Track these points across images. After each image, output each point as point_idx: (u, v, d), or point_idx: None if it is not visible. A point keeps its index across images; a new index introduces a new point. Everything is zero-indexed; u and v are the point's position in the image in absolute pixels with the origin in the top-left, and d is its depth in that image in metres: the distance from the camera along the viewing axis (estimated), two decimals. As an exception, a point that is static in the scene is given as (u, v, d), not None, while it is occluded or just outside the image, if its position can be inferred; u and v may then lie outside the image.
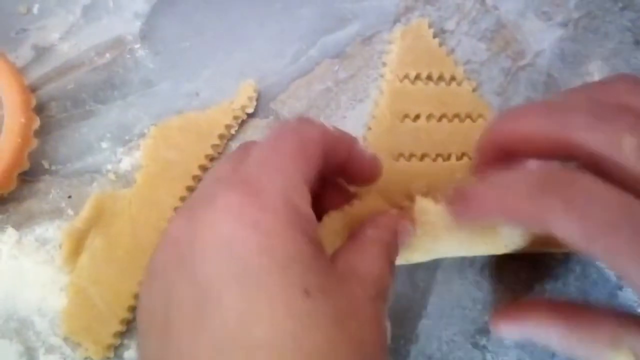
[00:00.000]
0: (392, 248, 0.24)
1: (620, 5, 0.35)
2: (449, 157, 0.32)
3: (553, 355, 0.30)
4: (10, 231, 0.31)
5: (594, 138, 0.20)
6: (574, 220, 0.19)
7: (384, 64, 0.34)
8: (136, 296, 0.30)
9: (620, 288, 0.31)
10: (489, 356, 0.30)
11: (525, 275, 0.31)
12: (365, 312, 0.21)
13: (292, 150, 0.22)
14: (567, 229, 0.20)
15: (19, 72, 0.32)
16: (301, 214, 0.21)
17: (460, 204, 0.24)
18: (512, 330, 0.26)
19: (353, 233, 0.24)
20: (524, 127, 0.22)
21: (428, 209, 0.25)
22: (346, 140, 0.24)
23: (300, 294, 0.19)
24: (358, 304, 0.20)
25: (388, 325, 0.22)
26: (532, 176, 0.21)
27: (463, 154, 0.32)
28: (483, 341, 0.30)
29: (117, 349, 0.30)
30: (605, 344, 0.23)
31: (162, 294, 0.20)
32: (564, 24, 0.34)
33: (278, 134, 0.23)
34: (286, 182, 0.21)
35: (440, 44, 0.34)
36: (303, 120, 0.23)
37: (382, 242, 0.24)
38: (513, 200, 0.21)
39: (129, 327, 0.30)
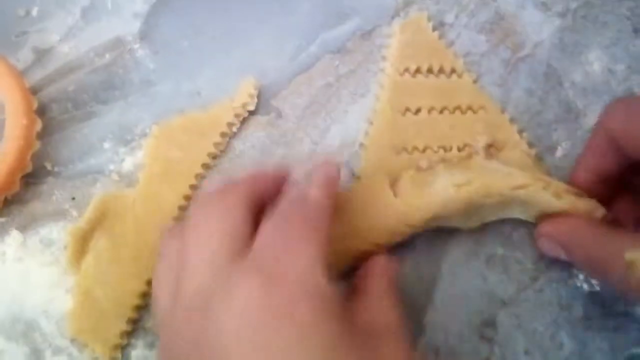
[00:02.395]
0: (394, 293, 0.25)
1: (618, -6, 0.35)
2: (450, 149, 0.32)
3: (561, 345, 0.30)
4: (15, 234, 0.31)
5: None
6: (620, 110, 0.26)
7: (384, 58, 0.34)
8: (142, 295, 0.30)
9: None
10: (496, 348, 0.30)
11: (531, 266, 0.31)
12: None
13: (302, 233, 0.22)
14: (613, 121, 0.26)
15: (20, 74, 0.32)
16: (323, 290, 0.21)
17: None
18: (551, 243, 0.28)
19: (356, 290, 0.25)
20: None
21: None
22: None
23: None
24: (391, 357, 0.22)
25: None
26: None
27: (465, 146, 0.32)
28: (490, 333, 0.30)
29: (124, 348, 0.30)
30: (623, 244, 0.24)
31: None
32: (563, 14, 0.34)
33: (282, 209, 0.23)
34: (303, 261, 0.21)
35: (440, 37, 0.34)
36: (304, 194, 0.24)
37: (386, 290, 0.25)
38: None
39: (135, 326, 0.30)
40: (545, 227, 0.29)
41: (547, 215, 0.29)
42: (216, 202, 0.23)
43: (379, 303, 0.24)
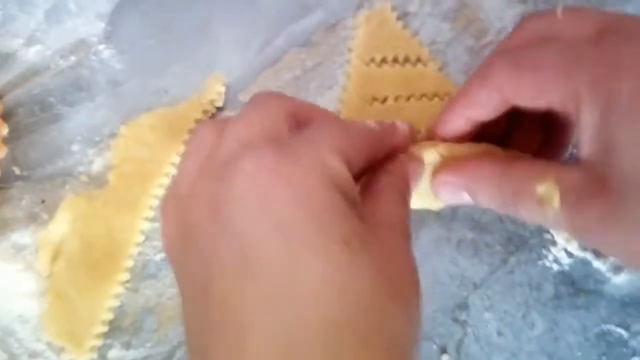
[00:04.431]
0: (406, 192, 0.25)
1: (578, -22, 0.35)
2: (419, 133, 0.32)
3: (532, 325, 0.31)
4: (-15, 240, 0.31)
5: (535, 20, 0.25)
6: (506, 63, 0.23)
7: (350, 50, 0.34)
8: (115, 297, 0.30)
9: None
10: (469, 330, 0.31)
11: (500, 248, 0.31)
12: (399, 257, 0.21)
13: (337, 132, 0.22)
14: (500, 76, 0.23)
15: (-16, 80, 0.32)
16: (335, 171, 0.21)
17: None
18: (451, 188, 0.26)
19: (367, 184, 0.24)
20: None
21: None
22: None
23: (340, 244, 0.19)
24: (392, 249, 0.21)
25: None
26: None
27: (432, 132, 0.32)
28: (463, 316, 0.31)
29: (100, 349, 0.30)
30: (533, 176, 0.22)
31: (200, 253, 0.20)
32: (524, 1, 0.35)
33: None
34: (321, 147, 0.21)
35: (404, 27, 0.34)
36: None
37: (398, 187, 0.24)
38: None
39: (111, 327, 0.30)
40: (444, 175, 0.26)
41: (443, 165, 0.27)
42: (259, 103, 0.23)
43: (389, 196, 0.24)
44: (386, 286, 0.19)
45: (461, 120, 0.26)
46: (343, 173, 0.21)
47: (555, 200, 0.22)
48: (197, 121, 0.32)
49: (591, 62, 0.21)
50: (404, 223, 0.23)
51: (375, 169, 0.25)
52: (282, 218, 0.19)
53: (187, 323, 0.21)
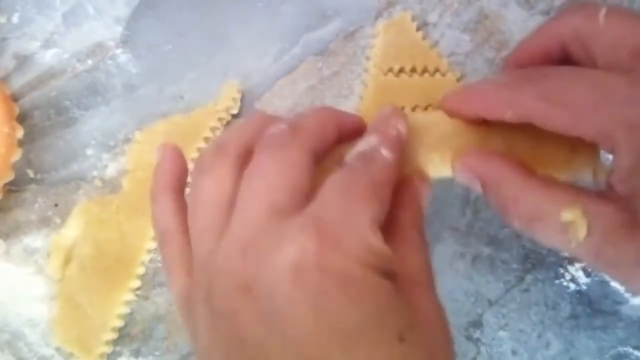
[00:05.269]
0: (423, 223, 0.24)
1: (602, -9, 0.34)
2: None
3: (548, 345, 0.30)
4: (-2, 242, 0.31)
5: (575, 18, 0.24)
6: (537, 92, 0.22)
7: (368, 59, 0.34)
8: (126, 303, 0.30)
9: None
10: (483, 349, 0.30)
11: (517, 265, 0.31)
12: (436, 323, 0.21)
13: (365, 196, 0.21)
14: (530, 106, 0.22)
15: (1, 81, 0.32)
16: (378, 253, 0.20)
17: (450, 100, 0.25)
18: (471, 168, 0.24)
19: (387, 222, 0.23)
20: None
21: None
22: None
23: (396, 341, 0.19)
24: (429, 320, 0.21)
25: None
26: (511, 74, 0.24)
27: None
28: (477, 334, 0.30)
29: (109, 356, 0.30)
30: (559, 201, 0.22)
31: (239, 341, 0.19)
32: (546, 12, 0.34)
33: (349, 168, 0.22)
34: (360, 223, 0.20)
35: (424, 37, 0.34)
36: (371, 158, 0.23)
37: (419, 223, 0.24)
38: (494, 89, 0.24)
39: (120, 334, 0.30)
40: (469, 157, 0.25)
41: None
42: (280, 150, 0.22)
43: (412, 241, 0.23)
44: None
45: (472, 114, 0.25)
46: (385, 252, 0.20)
47: (581, 231, 0.21)
48: (212, 129, 0.32)
49: (625, 102, 0.20)
50: (430, 271, 0.23)
51: (394, 207, 0.23)
52: (339, 320, 0.18)
53: None
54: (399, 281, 0.21)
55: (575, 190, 0.22)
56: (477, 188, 0.24)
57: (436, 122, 0.26)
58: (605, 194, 0.22)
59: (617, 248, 0.20)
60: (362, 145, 0.23)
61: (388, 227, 0.22)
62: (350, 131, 0.25)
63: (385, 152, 0.23)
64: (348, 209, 0.21)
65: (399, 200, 0.24)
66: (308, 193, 0.21)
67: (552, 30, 0.25)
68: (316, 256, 0.19)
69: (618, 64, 0.21)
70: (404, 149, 0.24)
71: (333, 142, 0.24)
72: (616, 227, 0.20)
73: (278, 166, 0.21)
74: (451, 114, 0.25)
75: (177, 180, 0.25)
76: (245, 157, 0.23)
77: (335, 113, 0.25)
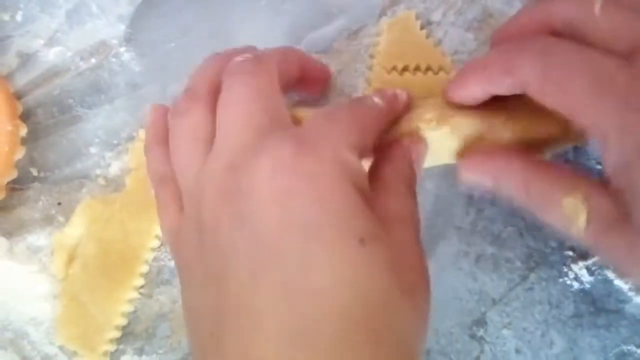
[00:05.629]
0: (413, 180, 0.25)
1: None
2: None
3: (551, 344, 0.30)
4: (1, 240, 0.31)
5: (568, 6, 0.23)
6: (536, 62, 0.22)
7: (371, 57, 0.34)
8: (130, 302, 0.30)
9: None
10: (487, 347, 0.30)
11: (520, 264, 0.31)
12: (410, 252, 0.22)
13: (347, 123, 0.22)
14: (528, 74, 0.22)
15: (5, 79, 0.32)
16: (352, 167, 0.21)
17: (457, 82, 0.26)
18: (476, 173, 0.25)
19: (373, 172, 0.24)
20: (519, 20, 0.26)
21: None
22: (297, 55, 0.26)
23: (356, 243, 0.19)
24: (403, 246, 0.21)
25: None
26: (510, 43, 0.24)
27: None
28: (481, 332, 0.30)
29: (112, 354, 0.30)
30: (561, 188, 0.22)
31: (217, 246, 0.21)
32: (551, 11, 0.34)
33: (334, 107, 0.24)
34: (339, 143, 0.21)
35: (428, 36, 0.33)
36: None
37: (405, 178, 0.24)
38: (493, 57, 0.24)
39: (124, 332, 0.30)
40: (472, 161, 0.25)
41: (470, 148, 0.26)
42: (250, 76, 0.23)
43: (396, 188, 0.24)
44: (397, 283, 0.20)
45: (477, 89, 0.25)
46: (360, 170, 0.22)
47: (581, 220, 0.22)
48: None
49: (622, 100, 0.20)
50: (414, 216, 0.23)
51: (379, 150, 0.25)
52: (302, 217, 0.19)
53: (196, 313, 0.22)
54: (382, 217, 0.21)
55: (579, 178, 0.23)
56: (487, 185, 0.25)
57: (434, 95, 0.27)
58: (604, 184, 0.22)
59: (611, 239, 0.21)
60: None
61: (374, 180, 0.24)
62: (313, 75, 0.27)
63: (376, 99, 0.24)
64: (328, 128, 0.22)
65: (388, 157, 0.25)
66: (285, 117, 0.23)
67: (542, 16, 0.24)
68: (290, 158, 0.20)
69: (618, 56, 0.21)
70: (399, 108, 0.25)
71: (296, 79, 0.25)
72: (611, 220, 0.21)
73: (251, 90, 0.23)
74: (455, 102, 0.26)
75: (160, 132, 0.26)
76: (215, 94, 0.24)
77: (299, 52, 0.27)
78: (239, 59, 0.24)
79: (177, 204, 0.24)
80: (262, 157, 0.20)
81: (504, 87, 0.24)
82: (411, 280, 0.21)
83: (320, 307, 0.19)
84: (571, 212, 0.22)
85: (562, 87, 0.22)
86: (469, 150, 0.26)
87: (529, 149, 0.26)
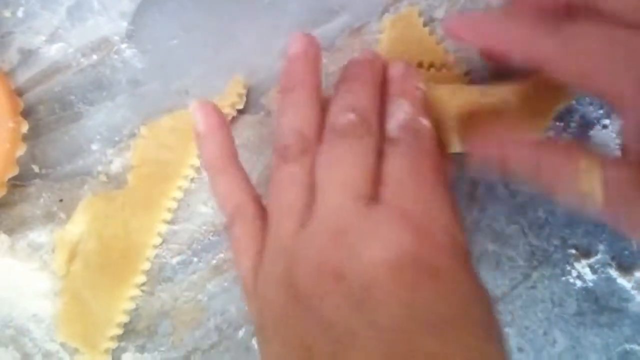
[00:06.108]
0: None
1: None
2: None
3: (554, 342, 0.30)
4: (3, 237, 0.31)
5: None
6: (555, 38, 0.22)
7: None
8: (131, 299, 0.30)
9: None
10: (489, 345, 0.30)
11: (523, 262, 0.31)
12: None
13: (436, 178, 0.22)
14: (546, 50, 0.22)
15: (6, 76, 0.32)
16: (463, 247, 0.21)
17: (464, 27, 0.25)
18: (484, 154, 0.25)
19: None
20: None
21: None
22: None
23: (483, 335, 0.19)
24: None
25: None
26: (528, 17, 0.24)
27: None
28: (483, 330, 0.30)
29: (114, 351, 0.30)
30: (576, 160, 0.22)
31: (322, 320, 0.20)
32: (554, 9, 0.34)
33: (408, 153, 0.23)
34: (445, 214, 0.21)
35: (431, 33, 0.33)
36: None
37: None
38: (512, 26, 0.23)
39: (125, 329, 0.30)
40: (477, 137, 0.25)
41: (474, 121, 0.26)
42: (355, 140, 0.23)
43: None
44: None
45: (484, 42, 0.25)
46: (462, 240, 0.22)
47: (598, 191, 0.21)
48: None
49: (636, 61, 0.21)
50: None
51: None
52: (430, 312, 0.19)
53: None
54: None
55: (593, 150, 0.23)
56: (496, 167, 0.24)
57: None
58: (621, 157, 0.22)
59: (632, 209, 0.21)
60: (399, 113, 0.24)
61: None
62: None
63: (425, 122, 0.24)
64: (428, 196, 0.22)
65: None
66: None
67: None
68: (413, 251, 0.20)
69: (631, 16, 0.21)
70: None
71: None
72: (630, 189, 0.21)
73: (355, 156, 0.23)
74: (454, 35, 0.25)
75: (233, 151, 0.26)
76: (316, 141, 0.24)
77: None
78: (343, 120, 0.24)
79: (256, 243, 0.23)
80: (379, 241, 0.20)
81: (514, 60, 0.24)
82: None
83: None
84: (587, 184, 0.22)
85: (579, 56, 0.22)
86: (473, 118, 0.26)
87: (532, 115, 0.27)
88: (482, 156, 0.25)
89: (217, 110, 0.26)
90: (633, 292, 0.31)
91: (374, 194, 0.22)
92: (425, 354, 0.18)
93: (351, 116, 0.24)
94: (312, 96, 0.25)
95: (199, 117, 0.26)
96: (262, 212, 0.24)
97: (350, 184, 0.22)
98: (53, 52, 0.34)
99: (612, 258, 0.31)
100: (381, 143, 0.24)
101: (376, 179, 0.22)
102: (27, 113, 0.32)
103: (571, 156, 0.22)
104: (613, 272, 0.31)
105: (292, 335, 0.20)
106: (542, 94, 0.26)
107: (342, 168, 0.22)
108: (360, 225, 0.21)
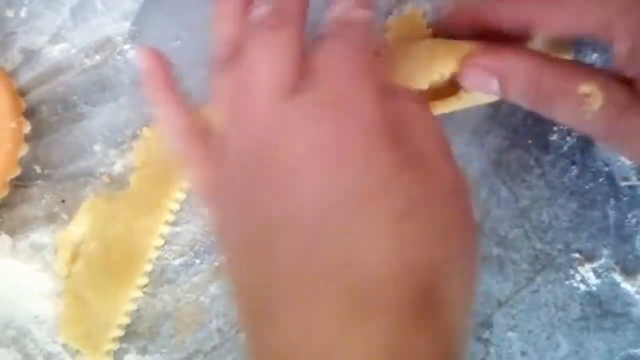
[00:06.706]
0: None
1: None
2: None
3: (557, 346, 0.30)
4: (5, 238, 0.31)
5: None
6: None
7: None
8: (133, 300, 0.30)
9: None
10: (492, 349, 0.30)
11: (527, 266, 0.31)
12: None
13: (367, 66, 0.22)
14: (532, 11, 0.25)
15: (8, 76, 0.32)
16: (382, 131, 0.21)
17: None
18: (486, 68, 0.25)
19: None
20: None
21: None
22: None
23: (402, 216, 0.20)
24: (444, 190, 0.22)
25: None
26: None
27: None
28: (486, 334, 0.30)
29: (116, 353, 0.30)
30: (577, 77, 0.23)
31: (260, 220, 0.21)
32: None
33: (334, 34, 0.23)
34: (372, 93, 0.21)
35: (435, 35, 0.33)
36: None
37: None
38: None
39: (127, 331, 0.30)
40: (478, 57, 0.25)
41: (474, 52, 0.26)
42: (271, 38, 0.23)
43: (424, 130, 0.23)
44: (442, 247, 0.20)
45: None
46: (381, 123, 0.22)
47: (597, 101, 0.22)
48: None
49: None
50: (446, 149, 0.23)
51: None
52: (354, 183, 0.20)
53: (245, 280, 0.21)
54: (415, 155, 0.21)
55: (592, 69, 0.25)
56: (492, 87, 0.25)
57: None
58: (617, 74, 0.23)
59: (628, 121, 0.22)
60: (339, 7, 0.24)
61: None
62: None
63: (363, 12, 0.24)
64: (353, 76, 0.22)
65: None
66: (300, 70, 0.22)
67: None
68: (333, 127, 0.20)
69: None
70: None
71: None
72: (629, 102, 0.22)
73: (270, 49, 0.23)
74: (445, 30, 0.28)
75: (171, 79, 0.27)
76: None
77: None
78: (257, 14, 0.24)
79: (204, 150, 0.25)
80: (305, 125, 0.21)
81: (503, 27, 0.26)
82: (456, 241, 0.21)
83: (373, 276, 0.19)
84: (587, 97, 0.22)
85: (564, 5, 0.23)
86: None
87: None
88: (480, 74, 0.25)
89: (156, 51, 0.27)
90: (637, 296, 0.30)
91: (297, 86, 0.22)
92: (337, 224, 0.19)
93: (265, 7, 0.24)
94: (237, 3, 0.26)
95: (140, 58, 0.27)
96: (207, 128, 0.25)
97: (266, 80, 0.22)
98: (56, 52, 0.34)
99: (616, 262, 0.31)
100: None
101: (302, 73, 0.22)
102: (29, 113, 0.32)
103: (574, 74, 0.23)
104: (617, 277, 0.31)
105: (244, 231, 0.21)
106: None
107: (260, 65, 0.22)
108: (278, 123, 0.21)
